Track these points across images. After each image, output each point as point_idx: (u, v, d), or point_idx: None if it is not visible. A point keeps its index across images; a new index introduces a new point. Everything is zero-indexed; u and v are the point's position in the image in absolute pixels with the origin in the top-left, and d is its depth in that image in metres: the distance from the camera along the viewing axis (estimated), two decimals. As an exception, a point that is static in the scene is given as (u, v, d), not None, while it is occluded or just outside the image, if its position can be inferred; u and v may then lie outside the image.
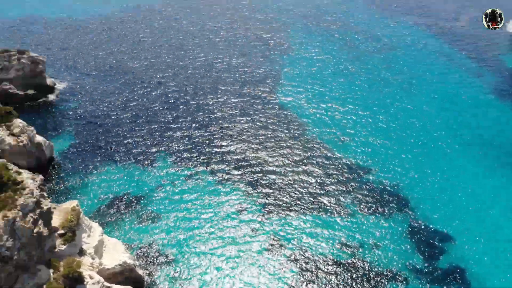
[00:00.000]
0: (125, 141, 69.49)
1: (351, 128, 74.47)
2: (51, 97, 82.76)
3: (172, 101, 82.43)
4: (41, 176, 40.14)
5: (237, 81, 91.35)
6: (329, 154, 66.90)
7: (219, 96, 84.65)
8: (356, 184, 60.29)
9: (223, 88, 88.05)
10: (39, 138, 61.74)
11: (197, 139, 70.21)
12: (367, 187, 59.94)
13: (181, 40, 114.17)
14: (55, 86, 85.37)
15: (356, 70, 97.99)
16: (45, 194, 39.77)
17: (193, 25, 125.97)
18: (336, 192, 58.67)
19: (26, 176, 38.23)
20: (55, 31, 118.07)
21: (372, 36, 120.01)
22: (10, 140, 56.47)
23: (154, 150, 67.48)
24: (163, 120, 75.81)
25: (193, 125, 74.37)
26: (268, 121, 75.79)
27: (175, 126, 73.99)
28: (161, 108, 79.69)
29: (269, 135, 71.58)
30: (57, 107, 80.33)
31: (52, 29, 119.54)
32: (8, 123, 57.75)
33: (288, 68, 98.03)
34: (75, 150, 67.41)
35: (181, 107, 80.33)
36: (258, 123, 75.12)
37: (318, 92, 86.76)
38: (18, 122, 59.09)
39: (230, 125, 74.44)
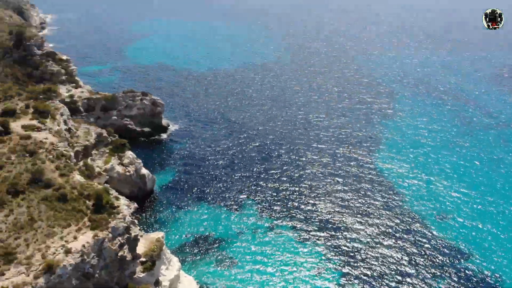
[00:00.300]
0: (218, 185, 72.85)
1: (454, 206, 67.35)
2: (163, 136, 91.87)
3: (266, 153, 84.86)
4: (135, 204, 43.79)
5: (334, 141, 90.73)
6: (424, 231, 60.94)
7: (313, 153, 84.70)
8: (452, 270, 53.25)
9: (318, 146, 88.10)
10: (144, 171, 68.24)
11: (284, 193, 70.32)
12: (464, 275, 52.51)
13: (286, 97, 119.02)
14: (169, 127, 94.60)
15: (466, 144, 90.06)
16: (136, 221, 43.12)
17: (300, 85, 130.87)
18: (428, 275, 52.44)
19: (123, 202, 42.13)
20: (177, 79, 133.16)
21: (488, 111, 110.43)
22: (119, 168, 63.39)
23: (243, 196, 69.32)
24: (255, 169, 78.05)
25: (283, 178, 74.99)
26: (361, 186, 72.76)
27: (266, 177, 75.46)
28: (255, 158, 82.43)
29: (359, 201, 68.39)
30: (166, 145, 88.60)
31: (174, 77, 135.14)
32: (121, 154, 65.22)
33: (390, 134, 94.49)
34: (173, 186, 72.77)
35: (274, 159, 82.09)
36: (350, 186, 72.58)
37: (420, 163, 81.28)
38: (129, 154, 66.36)
39: (320, 184, 73.22)
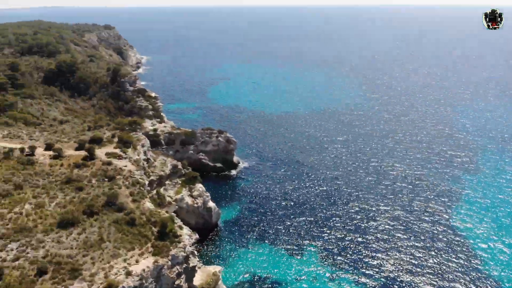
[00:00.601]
0: (281, 226, 72.15)
1: (547, 279, 58.59)
2: (233, 172, 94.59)
3: (334, 199, 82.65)
4: (196, 235, 45.04)
5: (408, 192, 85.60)
6: (508, 304, 53.61)
7: (384, 204, 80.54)
8: None
9: (390, 196, 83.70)
10: (211, 204, 70.31)
11: (349, 243, 67.18)
12: None
13: (358, 143, 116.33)
14: (239, 164, 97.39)
15: None
16: (195, 252, 44.17)
17: (374, 131, 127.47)
18: None
19: (185, 232, 43.63)
20: (251, 120, 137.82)
21: None
22: (188, 200, 66.09)
23: (305, 242, 67.62)
24: (320, 215, 76.14)
25: (349, 227, 71.95)
26: (435, 244, 66.93)
27: (331, 223, 73.10)
28: (321, 203, 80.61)
29: (432, 260, 62.72)
30: (235, 182, 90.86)
31: (249, 118, 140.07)
32: (191, 186, 68.20)
33: (471, 190, 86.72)
34: (237, 222, 73.68)
35: (341, 206, 79.52)
36: (423, 243, 67.15)
37: (504, 225, 72.91)
38: (199, 187, 69.12)
39: (390, 238, 68.83)
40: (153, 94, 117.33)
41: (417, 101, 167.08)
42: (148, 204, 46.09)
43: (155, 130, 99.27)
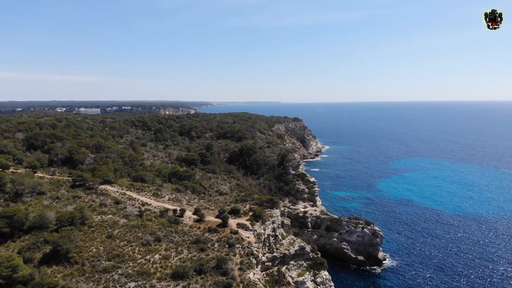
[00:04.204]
0: None
1: None
2: (376, 269, 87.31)
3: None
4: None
5: None
6: None
7: None
8: None
9: None
10: (335, 296, 66.88)
11: None
12: None
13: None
14: (384, 262, 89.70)
15: None
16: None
17: None
18: None
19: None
20: (413, 217, 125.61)
21: None
22: (310, 285, 64.99)
23: None
24: None
25: None
26: None
27: None
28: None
29: None
30: (374, 281, 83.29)
31: (411, 215, 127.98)
32: (316, 271, 67.13)
33: None
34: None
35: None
36: None
37: None
38: (324, 274, 67.36)
39: None
40: (312, 179, 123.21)
41: None
42: (251, 275, 48.67)
43: (305, 212, 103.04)
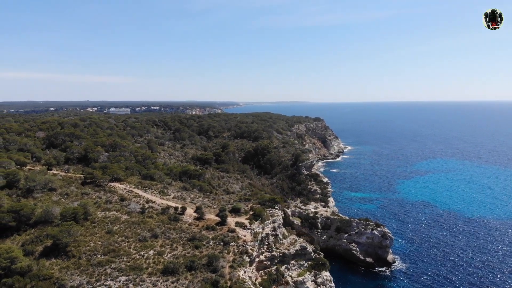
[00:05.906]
0: None
1: None
2: (385, 271, 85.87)
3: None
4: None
5: None
6: None
7: None
8: None
9: None
10: (336, 298, 66.46)
11: None
12: None
13: None
14: (393, 264, 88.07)
15: None
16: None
17: None
18: None
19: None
20: (430, 221, 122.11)
21: None
22: (310, 285, 64.85)
23: None
24: None
25: None
26: None
27: None
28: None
29: None
30: (383, 283, 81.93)
31: (429, 218, 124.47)
32: (317, 272, 66.93)
33: None
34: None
35: None
36: None
37: None
38: (325, 275, 67.03)
39: None
40: (325, 180, 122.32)
41: None
42: (241, 273, 49.26)
43: (315, 213, 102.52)
